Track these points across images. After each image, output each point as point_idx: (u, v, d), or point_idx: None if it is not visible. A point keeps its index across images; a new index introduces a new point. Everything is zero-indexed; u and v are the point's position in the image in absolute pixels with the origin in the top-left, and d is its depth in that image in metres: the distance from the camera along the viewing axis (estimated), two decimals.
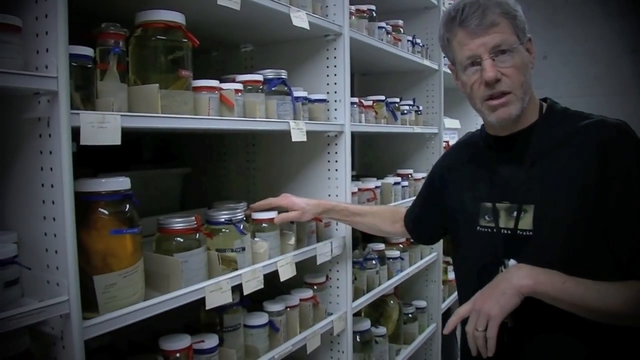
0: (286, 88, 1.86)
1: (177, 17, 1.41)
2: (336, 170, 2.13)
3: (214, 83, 1.55)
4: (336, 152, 2.13)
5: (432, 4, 3.24)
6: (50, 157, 1.11)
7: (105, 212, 1.23)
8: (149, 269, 1.37)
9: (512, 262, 1.33)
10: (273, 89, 1.82)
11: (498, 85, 1.33)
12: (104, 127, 1.15)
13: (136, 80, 1.40)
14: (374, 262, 2.49)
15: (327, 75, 2.14)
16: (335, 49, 2.12)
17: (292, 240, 1.85)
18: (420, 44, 3.05)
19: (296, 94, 1.92)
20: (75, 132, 1.11)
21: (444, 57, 3.29)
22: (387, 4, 3.02)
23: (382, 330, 2.60)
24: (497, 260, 1.36)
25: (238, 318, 1.69)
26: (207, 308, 1.46)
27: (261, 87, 1.77)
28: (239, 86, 1.67)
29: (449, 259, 3.21)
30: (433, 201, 1.68)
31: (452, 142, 3.40)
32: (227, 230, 1.62)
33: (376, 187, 2.52)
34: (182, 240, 1.46)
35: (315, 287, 2.08)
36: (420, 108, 3.12)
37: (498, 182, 1.42)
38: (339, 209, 1.89)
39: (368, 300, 2.37)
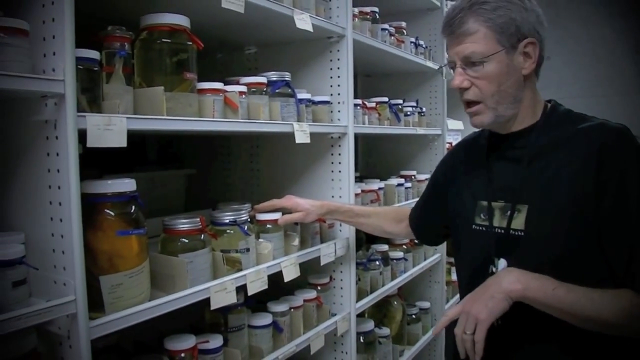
0: (290, 90, 1.87)
1: (181, 20, 1.43)
2: (339, 171, 2.14)
3: (218, 85, 1.57)
4: (339, 154, 2.15)
5: (434, 5, 3.24)
6: (57, 159, 1.12)
7: (112, 213, 1.25)
8: (154, 270, 1.38)
9: (501, 261, 1.34)
10: (277, 91, 1.83)
11: (466, 94, 1.35)
12: (110, 130, 1.16)
13: (141, 82, 1.41)
14: (377, 263, 2.50)
15: (331, 77, 2.15)
16: (338, 50, 2.13)
17: (296, 241, 1.86)
18: (423, 46, 3.06)
19: (300, 95, 1.93)
20: (82, 134, 1.12)
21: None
22: (390, 5, 3.02)
23: (385, 331, 2.60)
24: (489, 259, 1.36)
25: (242, 318, 1.70)
26: (212, 308, 1.47)
27: (265, 89, 1.78)
28: (243, 88, 1.68)
29: (453, 260, 3.22)
30: (436, 199, 1.68)
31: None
32: (232, 231, 1.63)
33: (379, 188, 2.53)
34: (187, 241, 1.47)
35: (319, 288, 2.09)
36: (424, 109, 3.13)
37: (495, 180, 1.42)
38: (343, 210, 1.89)
39: (372, 301, 2.38)
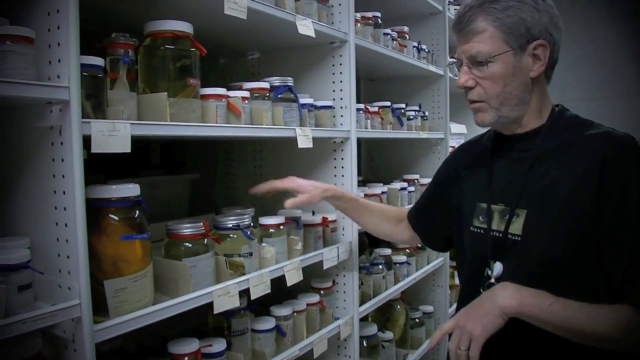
0: (292, 95, 1.89)
1: (184, 27, 1.44)
2: (342, 176, 2.15)
3: (221, 91, 1.58)
4: (342, 158, 2.16)
5: (437, 9, 3.25)
6: (62, 164, 1.14)
7: (116, 218, 1.26)
8: (158, 274, 1.39)
9: (497, 264, 1.33)
10: (279, 96, 1.84)
11: (470, 93, 1.34)
12: (114, 135, 1.17)
13: (145, 88, 1.43)
14: (380, 267, 2.50)
15: (333, 82, 2.17)
16: (340, 55, 2.14)
17: (299, 246, 1.87)
18: (426, 50, 3.07)
19: (302, 100, 1.95)
20: (86, 140, 1.14)
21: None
22: (392, 10, 3.04)
23: (389, 335, 2.61)
24: (485, 262, 1.35)
25: (245, 322, 1.71)
26: (215, 312, 1.48)
27: (268, 94, 1.79)
28: (246, 94, 1.70)
29: (456, 264, 3.22)
30: (439, 197, 1.65)
31: None
32: (235, 236, 1.64)
33: (382, 192, 2.53)
34: (190, 245, 1.48)
35: (322, 292, 2.10)
36: (427, 113, 3.14)
37: (496, 182, 1.40)
38: (347, 197, 1.81)
39: (375, 305, 2.38)
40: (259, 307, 1.81)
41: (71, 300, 1.12)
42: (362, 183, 2.66)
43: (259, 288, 1.62)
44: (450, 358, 1.25)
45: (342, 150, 2.15)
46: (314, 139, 1.88)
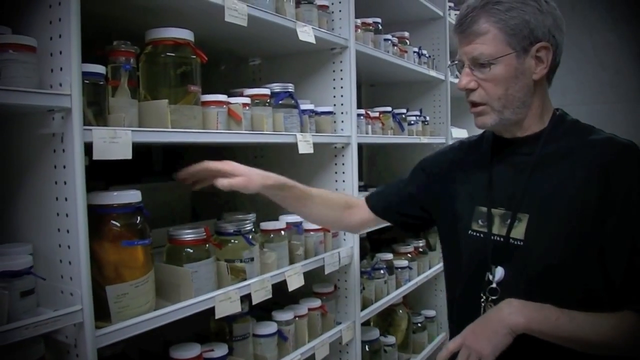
0: (293, 101, 1.90)
1: (185, 34, 1.45)
2: (343, 181, 2.16)
3: (222, 97, 1.59)
4: (343, 164, 2.17)
5: (437, 15, 3.27)
6: (64, 171, 1.15)
7: (117, 224, 1.27)
8: (159, 279, 1.40)
9: (499, 269, 1.31)
10: (280, 102, 1.85)
11: (472, 95, 1.32)
12: (116, 142, 1.19)
13: (146, 95, 1.44)
14: (382, 271, 2.51)
15: (334, 88, 2.18)
16: (341, 61, 2.15)
17: (300, 250, 1.88)
18: (427, 55, 3.08)
19: (303, 106, 1.96)
20: (88, 147, 1.15)
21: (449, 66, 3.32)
22: (393, 15, 3.05)
23: (391, 339, 2.61)
24: (485, 266, 1.33)
25: (247, 327, 1.72)
26: (216, 317, 1.49)
27: (268, 100, 1.80)
28: (247, 100, 1.71)
29: None
30: (422, 186, 1.57)
31: None
32: (236, 241, 1.65)
33: None
34: (192, 250, 1.49)
35: (323, 297, 2.10)
36: (427, 118, 3.14)
37: (496, 186, 1.37)
38: (290, 185, 1.58)
39: (376, 310, 2.39)
40: (261, 312, 1.82)
41: (73, 305, 1.13)
42: (363, 188, 2.66)
43: (261, 293, 1.62)
44: None
45: (343, 155, 2.16)
46: (315, 145, 1.89)
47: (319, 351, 1.93)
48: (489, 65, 1.27)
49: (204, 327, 1.72)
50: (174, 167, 1.45)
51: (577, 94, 4.54)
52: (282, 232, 1.83)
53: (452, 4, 3.44)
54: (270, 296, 1.66)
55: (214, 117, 1.55)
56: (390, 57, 2.56)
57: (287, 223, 1.86)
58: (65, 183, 1.15)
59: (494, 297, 1.30)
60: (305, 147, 1.84)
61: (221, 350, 1.58)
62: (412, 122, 2.92)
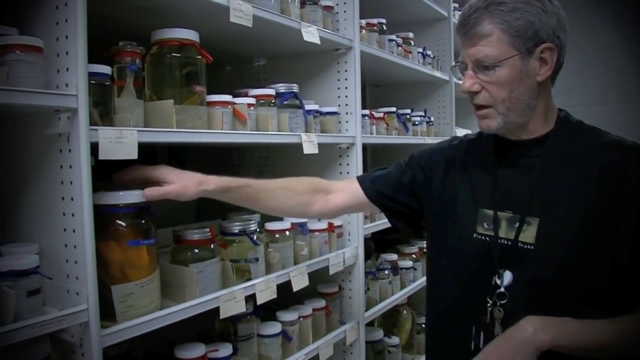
0: (298, 101, 1.90)
1: (191, 35, 1.46)
2: None
3: (227, 98, 1.59)
4: (348, 164, 2.17)
5: (442, 15, 3.27)
6: (70, 171, 1.16)
7: (123, 224, 1.27)
8: (164, 279, 1.40)
9: (507, 273, 1.28)
10: (285, 102, 1.86)
11: (476, 98, 1.29)
12: (121, 142, 1.19)
13: (152, 96, 1.44)
14: (386, 272, 2.51)
15: (339, 88, 2.18)
16: (346, 62, 2.16)
17: (305, 251, 1.88)
18: (431, 56, 3.08)
19: (308, 106, 1.96)
20: (94, 147, 1.16)
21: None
22: (397, 16, 3.05)
23: (395, 340, 2.61)
24: (492, 270, 1.30)
25: (252, 327, 1.72)
26: (221, 317, 1.49)
27: (273, 100, 1.80)
28: (252, 100, 1.71)
29: None
30: (416, 179, 1.51)
31: None
32: (241, 241, 1.65)
33: None
34: (197, 250, 1.50)
35: (328, 297, 2.10)
36: (432, 119, 3.15)
37: (502, 189, 1.33)
38: (235, 186, 1.47)
39: (381, 310, 2.39)
40: (265, 312, 1.82)
41: (79, 305, 1.14)
42: None
43: (265, 293, 1.63)
44: None
45: (348, 155, 2.17)
46: (320, 145, 1.89)
47: (323, 351, 1.93)
48: (493, 67, 1.24)
49: (208, 327, 1.73)
50: (179, 167, 1.45)
51: (580, 94, 4.54)
52: (287, 233, 1.83)
53: (456, 5, 3.43)
54: (275, 296, 1.66)
55: (219, 117, 1.55)
56: (394, 58, 2.56)
57: (292, 223, 1.86)
58: (71, 183, 1.16)
59: (502, 302, 1.27)
60: (310, 147, 1.85)
61: (226, 350, 1.58)
62: (417, 122, 2.91)
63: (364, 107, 2.28)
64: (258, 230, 1.71)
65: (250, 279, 1.62)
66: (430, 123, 3.10)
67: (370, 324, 2.41)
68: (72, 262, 1.17)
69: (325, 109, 2.09)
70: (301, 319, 1.90)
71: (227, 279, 1.55)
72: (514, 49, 1.23)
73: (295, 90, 1.90)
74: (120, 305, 1.24)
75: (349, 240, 2.19)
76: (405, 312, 2.82)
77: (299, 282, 1.78)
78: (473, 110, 1.33)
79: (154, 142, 1.34)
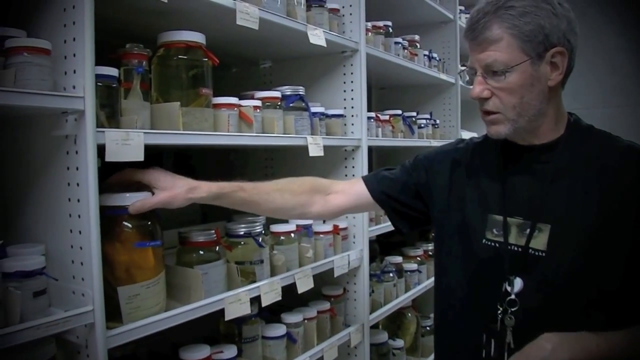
0: (304, 104, 1.90)
1: (197, 37, 1.46)
2: None
3: (233, 100, 1.60)
4: (353, 166, 2.17)
5: (448, 18, 3.27)
6: (77, 172, 1.16)
7: (129, 225, 1.28)
8: (170, 281, 1.41)
9: (517, 280, 1.26)
10: (291, 105, 1.86)
11: (486, 104, 1.26)
12: (128, 144, 1.19)
13: (158, 98, 1.45)
14: (391, 274, 2.51)
15: (344, 91, 2.18)
16: (352, 64, 2.16)
17: (310, 253, 1.88)
18: (437, 58, 3.08)
19: (313, 109, 1.96)
20: (101, 149, 1.16)
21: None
22: (403, 19, 3.05)
23: (399, 342, 2.61)
24: (502, 277, 1.28)
25: (256, 329, 1.72)
26: (226, 319, 1.49)
27: (279, 103, 1.81)
28: (258, 103, 1.71)
29: None
30: (420, 183, 1.49)
31: None
32: (246, 243, 1.65)
33: None
34: (202, 252, 1.50)
35: (332, 299, 2.10)
36: (438, 121, 3.14)
37: (511, 194, 1.31)
38: (228, 191, 1.44)
39: (385, 313, 2.38)
40: (270, 314, 1.82)
41: (85, 306, 1.14)
42: None
43: (270, 295, 1.63)
44: None
45: (353, 158, 2.17)
46: (325, 147, 1.90)
47: (327, 354, 1.93)
48: (503, 73, 1.21)
49: (213, 329, 1.73)
50: (185, 169, 1.45)
51: (587, 97, 4.52)
52: (292, 235, 1.83)
53: (462, 7, 3.43)
54: (280, 298, 1.66)
55: (225, 119, 1.56)
56: (400, 60, 2.57)
57: (297, 225, 1.86)
58: (77, 184, 1.16)
59: (513, 309, 1.25)
60: (315, 149, 1.85)
61: (230, 352, 1.58)
62: (422, 125, 2.92)
63: (369, 109, 2.28)
64: (263, 232, 1.71)
65: (255, 281, 1.62)
66: (436, 126, 3.09)
67: (374, 327, 2.41)
68: (77, 263, 1.18)
69: (331, 112, 2.09)
70: (306, 321, 1.90)
71: (232, 281, 1.55)
72: (524, 54, 1.20)
73: (301, 93, 1.91)
74: (127, 306, 1.24)
75: (354, 242, 2.19)
76: (409, 314, 2.82)
77: (304, 285, 1.78)
78: (481, 115, 1.31)
79: (161, 144, 1.34)
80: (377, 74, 2.77)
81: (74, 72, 1.14)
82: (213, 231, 1.52)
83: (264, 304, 1.62)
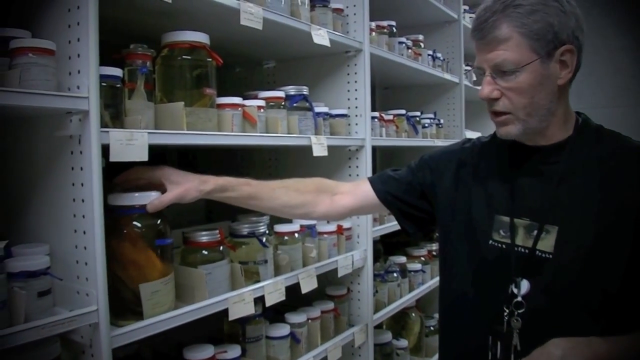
0: (307, 104, 1.90)
1: (201, 38, 1.46)
2: None
3: (237, 100, 1.60)
4: (357, 166, 2.17)
5: (452, 18, 3.26)
6: (81, 173, 1.16)
7: (139, 224, 1.29)
8: (174, 281, 1.41)
9: (524, 282, 1.24)
10: (295, 104, 1.86)
11: (495, 105, 1.23)
12: (132, 144, 1.20)
13: (162, 98, 1.45)
14: (395, 274, 2.51)
15: (348, 91, 2.18)
16: (355, 64, 2.16)
17: (314, 253, 1.88)
18: (441, 58, 3.08)
19: (317, 109, 1.96)
20: (105, 149, 1.16)
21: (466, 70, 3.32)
22: (407, 19, 3.05)
23: (403, 342, 2.61)
24: (508, 279, 1.26)
25: (260, 329, 1.72)
26: (230, 319, 1.49)
27: (283, 103, 1.81)
28: (262, 103, 1.72)
29: None
30: (425, 183, 1.48)
31: None
32: (250, 243, 1.65)
33: None
34: (206, 252, 1.50)
35: (336, 299, 2.10)
36: (442, 121, 3.14)
37: (518, 195, 1.29)
38: (234, 185, 1.46)
39: (389, 313, 2.38)
40: (274, 314, 1.82)
41: (89, 306, 1.15)
42: None
43: (274, 295, 1.63)
44: None
45: (357, 158, 2.17)
46: (329, 147, 1.89)
47: (331, 354, 1.93)
48: (513, 73, 1.19)
49: (217, 328, 1.73)
50: (189, 169, 1.45)
51: (592, 97, 4.51)
52: (296, 235, 1.83)
53: (466, 7, 3.43)
54: (284, 298, 1.66)
55: (229, 119, 1.56)
56: (404, 60, 2.56)
57: (301, 226, 1.86)
58: (82, 185, 1.17)
59: (520, 311, 1.24)
60: (319, 149, 1.85)
61: (234, 351, 1.58)
62: (426, 125, 2.91)
63: (373, 109, 2.28)
64: (267, 232, 1.71)
65: (259, 281, 1.62)
66: (440, 125, 3.09)
67: (378, 327, 2.41)
68: (82, 263, 1.18)
69: (334, 112, 2.09)
70: (310, 321, 1.90)
71: (236, 281, 1.55)
72: (534, 53, 1.18)
73: (305, 93, 1.91)
74: (148, 302, 1.25)
75: (358, 242, 2.19)
76: (413, 314, 2.81)
77: (308, 285, 1.78)
78: (490, 116, 1.29)
79: (165, 144, 1.35)
80: (381, 74, 2.77)
81: (78, 72, 1.15)
82: (217, 231, 1.52)
83: (267, 304, 1.62)
